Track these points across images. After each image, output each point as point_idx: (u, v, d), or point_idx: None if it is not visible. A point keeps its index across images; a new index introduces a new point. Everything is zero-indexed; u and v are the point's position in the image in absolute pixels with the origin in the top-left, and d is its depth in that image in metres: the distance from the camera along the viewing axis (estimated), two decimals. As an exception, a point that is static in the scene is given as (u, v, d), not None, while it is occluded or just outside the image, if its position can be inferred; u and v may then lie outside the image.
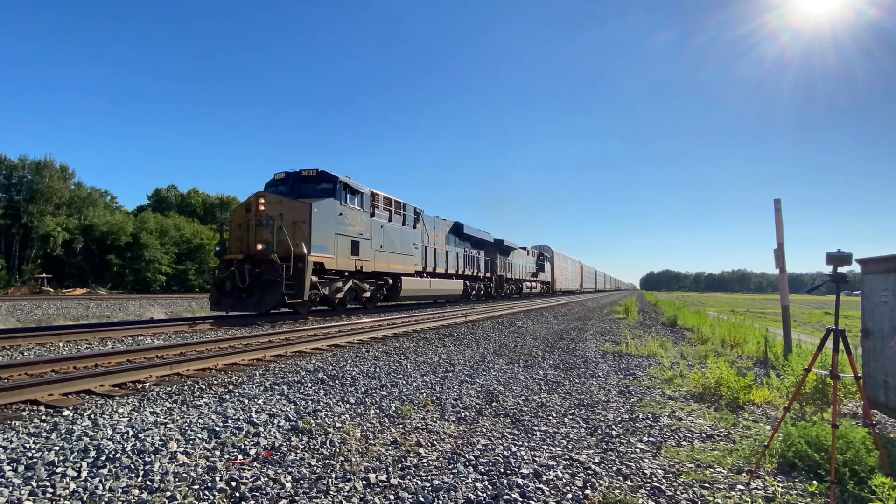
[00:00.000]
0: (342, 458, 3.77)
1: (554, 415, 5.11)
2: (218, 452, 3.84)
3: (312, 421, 4.64)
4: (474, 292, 31.02)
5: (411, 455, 3.88)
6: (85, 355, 7.49)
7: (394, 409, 5.17)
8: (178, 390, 5.87)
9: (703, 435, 4.51)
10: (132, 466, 3.51)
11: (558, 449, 4.08)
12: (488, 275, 33.31)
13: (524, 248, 44.61)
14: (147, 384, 6.21)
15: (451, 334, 12.24)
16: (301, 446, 4.02)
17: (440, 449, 4.04)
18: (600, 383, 6.70)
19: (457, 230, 28.32)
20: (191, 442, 4.05)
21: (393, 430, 4.49)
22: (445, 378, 6.80)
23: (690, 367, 7.69)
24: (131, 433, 4.21)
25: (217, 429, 4.38)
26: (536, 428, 4.64)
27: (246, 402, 5.33)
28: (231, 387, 6.08)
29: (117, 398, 5.47)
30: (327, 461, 3.72)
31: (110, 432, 4.24)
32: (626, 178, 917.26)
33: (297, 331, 11.61)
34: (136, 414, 4.82)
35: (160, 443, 3.98)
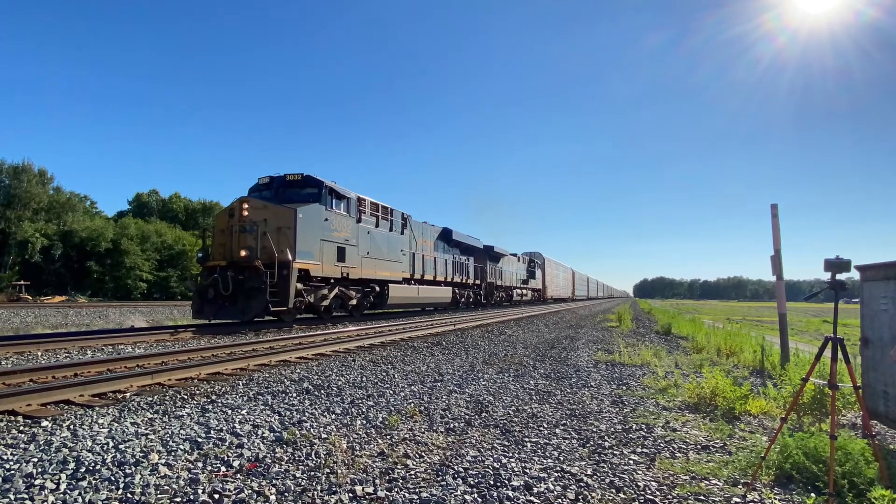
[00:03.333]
0: (328, 470, 3.66)
1: (545, 425, 5.03)
2: (200, 464, 3.72)
3: (297, 432, 4.52)
4: (463, 300, 30.94)
5: (399, 467, 3.78)
6: (64, 364, 7.30)
7: (381, 419, 5.06)
8: (159, 400, 5.72)
9: (699, 446, 4.45)
10: (112, 478, 3.39)
11: (549, 461, 4.00)
12: (478, 282, 33.27)
13: (514, 255, 44.54)
14: (128, 394, 6.05)
15: (439, 343, 12.14)
16: (286, 458, 3.91)
17: (428, 460, 3.95)
18: (593, 393, 6.64)
19: (445, 236, 28.26)
20: (172, 453, 3.92)
21: (380, 441, 4.39)
22: (434, 388, 6.70)
23: (685, 377, 7.66)
24: (111, 444, 4.08)
25: (199, 440, 4.25)
26: (527, 439, 4.56)
27: (229, 412, 5.20)
28: (214, 397, 5.94)
29: (97, 408, 5.32)
30: (313, 473, 3.61)
31: (90, 443, 4.10)
32: (620, 182, 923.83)
33: (281, 339, 11.45)
34: (116, 424, 4.67)
35: (141, 454, 3.86)
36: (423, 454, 4.10)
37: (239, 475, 3.56)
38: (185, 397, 5.91)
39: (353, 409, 5.43)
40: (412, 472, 3.68)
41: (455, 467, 3.80)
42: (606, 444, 4.48)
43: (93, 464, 3.65)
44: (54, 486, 3.27)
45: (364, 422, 4.97)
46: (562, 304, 56.39)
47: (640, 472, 3.78)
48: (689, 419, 5.37)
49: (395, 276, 21.27)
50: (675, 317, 25.75)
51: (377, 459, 3.94)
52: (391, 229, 21.15)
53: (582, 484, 3.53)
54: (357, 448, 4.19)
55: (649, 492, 3.41)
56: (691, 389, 6.15)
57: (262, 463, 3.80)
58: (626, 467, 3.89)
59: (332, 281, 17.15)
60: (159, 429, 4.57)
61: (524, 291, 46.90)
